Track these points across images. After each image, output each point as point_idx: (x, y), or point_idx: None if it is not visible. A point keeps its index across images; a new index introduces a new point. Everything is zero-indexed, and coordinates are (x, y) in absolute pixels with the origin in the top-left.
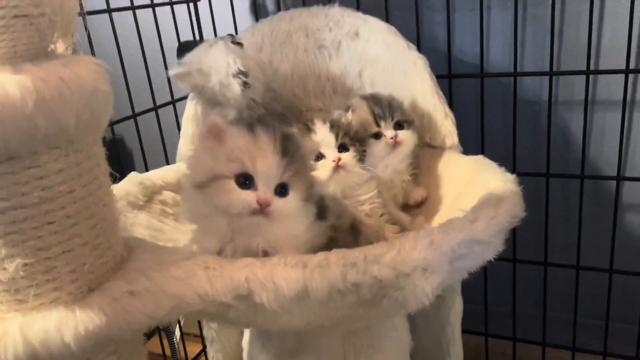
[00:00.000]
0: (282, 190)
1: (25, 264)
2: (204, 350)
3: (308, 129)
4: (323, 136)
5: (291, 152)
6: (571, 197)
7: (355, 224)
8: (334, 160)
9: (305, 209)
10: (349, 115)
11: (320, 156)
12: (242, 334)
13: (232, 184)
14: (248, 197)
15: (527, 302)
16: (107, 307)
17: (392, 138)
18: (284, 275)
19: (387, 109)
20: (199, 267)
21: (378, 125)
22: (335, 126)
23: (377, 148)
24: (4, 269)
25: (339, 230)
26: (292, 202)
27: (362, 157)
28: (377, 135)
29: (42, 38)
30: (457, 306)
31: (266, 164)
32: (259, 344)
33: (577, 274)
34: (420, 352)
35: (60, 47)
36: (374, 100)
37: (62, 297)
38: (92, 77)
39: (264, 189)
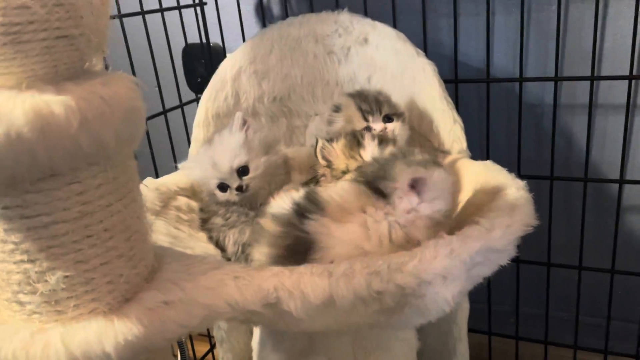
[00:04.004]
0: None
1: (66, 276)
2: (211, 349)
3: (358, 143)
4: (372, 151)
5: None
6: (572, 199)
7: None
8: None
9: None
10: (339, 118)
11: None
12: (251, 334)
13: None
14: None
15: (529, 301)
16: (144, 317)
17: (381, 131)
18: (311, 284)
19: (374, 104)
20: (228, 276)
21: (366, 120)
22: (384, 141)
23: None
24: (46, 281)
25: None
26: None
27: None
28: (367, 130)
29: (81, 57)
30: (464, 306)
31: None
32: (270, 345)
33: (579, 274)
34: (426, 351)
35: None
36: (360, 97)
37: (99, 308)
38: (129, 95)
39: None
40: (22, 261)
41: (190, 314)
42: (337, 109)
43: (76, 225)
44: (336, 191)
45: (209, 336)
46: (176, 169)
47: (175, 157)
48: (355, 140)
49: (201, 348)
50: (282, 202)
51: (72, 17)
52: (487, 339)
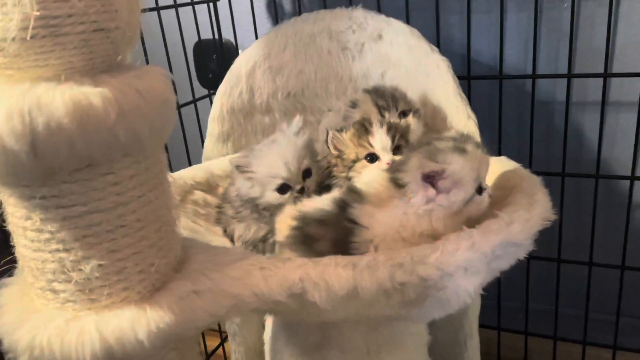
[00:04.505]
0: None
1: (100, 265)
2: (222, 344)
3: (366, 131)
4: (380, 138)
5: None
6: (583, 196)
7: None
8: (388, 163)
9: None
10: (356, 113)
11: (374, 157)
12: (263, 327)
13: (476, 195)
14: (485, 197)
15: (538, 297)
16: (175, 306)
17: None
18: (335, 275)
19: (390, 100)
20: (254, 267)
21: (383, 116)
22: (392, 128)
23: None
24: (80, 270)
25: None
26: None
27: None
28: None
29: (115, 50)
30: (475, 302)
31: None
32: (283, 338)
33: (589, 270)
34: (437, 346)
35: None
36: (377, 93)
37: (131, 296)
38: (162, 87)
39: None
40: (58, 250)
41: (218, 303)
42: (353, 104)
43: (110, 215)
44: (371, 182)
45: (219, 331)
46: (190, 164)
47: (189, 152)
48: (363, 129)
49: (211, 343)
50: (320, 204)
51: (108, 10)
52: (497, 334)
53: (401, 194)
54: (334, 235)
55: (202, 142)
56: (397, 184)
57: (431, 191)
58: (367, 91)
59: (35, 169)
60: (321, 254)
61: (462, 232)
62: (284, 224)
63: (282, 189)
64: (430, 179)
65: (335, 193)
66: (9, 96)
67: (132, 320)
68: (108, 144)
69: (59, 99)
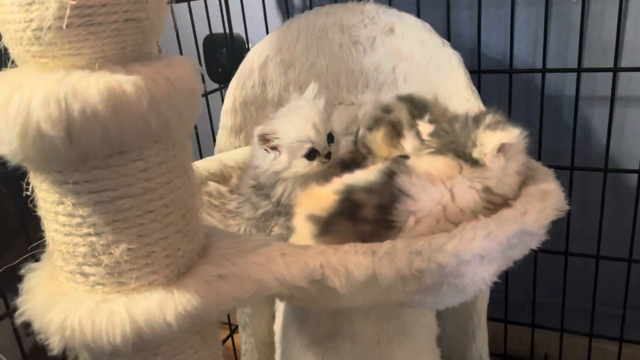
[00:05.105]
0: None
1: (129, 249)
2: (231, 335)
3: (398, 134)
4: (411, 141)
5: None
6: (590, 190)
7: None
8: None
9: None
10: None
11: (405, 157)
12: (273, 318)
13: None
14: None
15: (545, 290)
16: (201, 289)
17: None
18: (355, 262)
19: (422, 109)
20: (276, 253)
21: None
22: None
23: None
24: (110, 253)
25: None
26: None
27: None
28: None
29: (145, 40)
30: (483, 294)
31: None
32: (294, 328)
33: (596, 263)
34: (446, 337)
35: None
36: (411, 101)
37: (158, 280)
38: (190, 77)
39: None
40: (89, 234)
41: (242, 287)
42: (387, 110)
43: (139, 201)
44: (423, 162)
45: (229, 323)
46: (201, 156)
47: (200, 145)
48: (395, 131)
49: (220, 335)
50: (367, 175)
51: (139, 0)
52: (504, 327)
53: (470, 170)
54: (379, 200)
55: (213, 135)
56: (468, 159)
57: (502, 159)
58: (401, 99)
59: (70, 154)
60: (362, 221)
61: (479, 221)
62: (326, 198)
63: (310, 154)
64: (502, 148)
65: (382, 165)
66: (45, 83)
67: (161, 302)
68: (140, 131)
69: (93, 86)
